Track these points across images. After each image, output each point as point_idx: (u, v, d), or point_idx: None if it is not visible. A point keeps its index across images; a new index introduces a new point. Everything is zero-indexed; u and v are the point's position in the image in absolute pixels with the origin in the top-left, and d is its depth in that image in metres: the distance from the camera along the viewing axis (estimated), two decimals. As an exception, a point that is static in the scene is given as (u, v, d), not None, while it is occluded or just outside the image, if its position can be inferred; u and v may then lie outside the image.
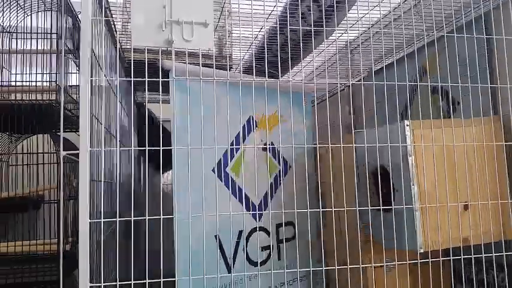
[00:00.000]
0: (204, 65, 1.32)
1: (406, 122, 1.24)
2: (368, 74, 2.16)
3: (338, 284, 1.31)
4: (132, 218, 1.05)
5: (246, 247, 1.48)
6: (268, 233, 1.58)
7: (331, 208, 1.42)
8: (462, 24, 1.43)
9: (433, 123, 1.25)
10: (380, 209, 1.30)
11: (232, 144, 1.49)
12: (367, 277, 1.42)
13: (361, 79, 2.19)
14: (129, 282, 1.03)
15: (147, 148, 1.07)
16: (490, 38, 1.39)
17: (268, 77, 1.37)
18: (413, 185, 1.21)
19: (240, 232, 1.47)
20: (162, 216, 1.09)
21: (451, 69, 1.35)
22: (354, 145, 1.38)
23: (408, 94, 1.83)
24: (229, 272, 1.42)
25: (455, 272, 1.35)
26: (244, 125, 1.55)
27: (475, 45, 1.33)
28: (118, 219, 1.10)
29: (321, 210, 1.37)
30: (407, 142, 1.22)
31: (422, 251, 1.19)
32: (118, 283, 1.01)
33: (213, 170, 1.44)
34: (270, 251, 1.55)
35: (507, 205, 1.25)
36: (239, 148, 1.51)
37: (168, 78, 1.27)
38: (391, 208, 1.27)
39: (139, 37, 0.97)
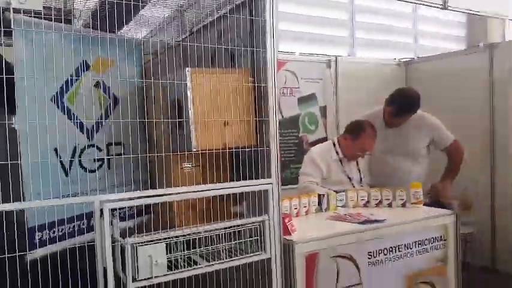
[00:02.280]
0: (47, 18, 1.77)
1: (187, 69, 1.87)
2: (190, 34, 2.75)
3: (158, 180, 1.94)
4: None
5: (80, 158, 2.01)
6: (100, 149, 2.12)
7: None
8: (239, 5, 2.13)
9: (206, 71, 1.93)
10: (176, 125, 1.95)
11: (68, 81, 1.97)
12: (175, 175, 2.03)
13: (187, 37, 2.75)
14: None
15: None
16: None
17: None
18: (190, 109, 1.85)
19: (75, 148, 2.00)
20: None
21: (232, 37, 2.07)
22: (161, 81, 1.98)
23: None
24: (67, 175, 1.94)
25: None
26: (78, 66, 2.03)
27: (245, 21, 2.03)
28: None
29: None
30: (187, 81, 1.85)
31: (195, 150, 1.86)
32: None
33: (52, 100, 1.91)
34: (102, 162, 2.10)
35: (250, 123, 1.99)
36: (73, 84, 2.00)
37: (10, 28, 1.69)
38: (182, 125, 1.92)
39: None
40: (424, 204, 2.71)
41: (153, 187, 2.09)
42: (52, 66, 1.79)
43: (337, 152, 3.05)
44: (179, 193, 1.77)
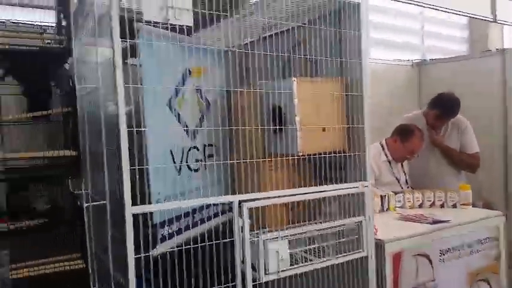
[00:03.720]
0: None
1: (294, 79, 2.01)
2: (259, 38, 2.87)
3: (244, 180, 2.08)
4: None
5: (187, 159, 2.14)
6: (198, 149, 2.25)
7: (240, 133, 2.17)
8: (325, 14, 2.26)
9: (307, 79, 2.07)
10: (276, 130, 2.09)
11: (177, 87, 2.09)
12: (265, 175, 2.16)
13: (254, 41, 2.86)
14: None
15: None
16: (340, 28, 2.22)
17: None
18: (296, 116, 2.00)
19: (183, 148, 2.12)
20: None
21: (316, 45, 2.20)
22: (261, 90, 2.11)
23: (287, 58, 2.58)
24: (179, 173, 2.07)
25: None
26: (184, 73, 2.15)
27: (332, 31, 2.18)
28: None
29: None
30: (294, 90, 2.00)
31: (300, 154, 2.01)
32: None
33: (167, 104, 2.03)
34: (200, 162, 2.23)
35: (343, 130, 2.15)
36: (180, 89, 2.12)
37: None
38: (282, 129, 2.06)
39: (149, 13, 1.53)
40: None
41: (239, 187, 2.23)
42: (167, 73, 1.92)
43: (386, 154, 3.25)
44: (299, 194, 1.94)
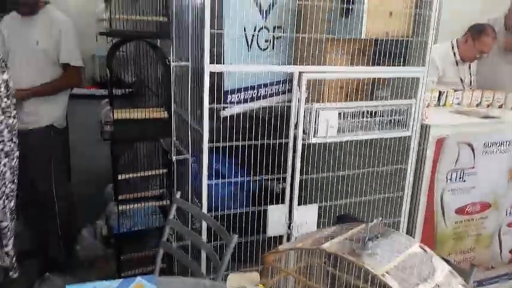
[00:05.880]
0: None
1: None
2: None
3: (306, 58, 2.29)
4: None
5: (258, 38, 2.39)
6: (268, 29, 2.49)
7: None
8: None
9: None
10: (342, 14, 2.23)
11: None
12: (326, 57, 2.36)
13: None
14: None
15: None
16: None
17: None
18: (365, -1, 2.12)
19: (256, 27, 2.37)
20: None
21: None
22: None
23: None
24: (249, 50, 2.35)
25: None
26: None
27: None
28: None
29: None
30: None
31: (363, 36, 2.17)
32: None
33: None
34: (270, 41, 2.48)
35: (410, 18, 2.24)
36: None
37: None
38: (349, 14, 2.20)
39: None
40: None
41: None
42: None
43: (454, 54, 3.27)
44: (358, 72, 2.17)
